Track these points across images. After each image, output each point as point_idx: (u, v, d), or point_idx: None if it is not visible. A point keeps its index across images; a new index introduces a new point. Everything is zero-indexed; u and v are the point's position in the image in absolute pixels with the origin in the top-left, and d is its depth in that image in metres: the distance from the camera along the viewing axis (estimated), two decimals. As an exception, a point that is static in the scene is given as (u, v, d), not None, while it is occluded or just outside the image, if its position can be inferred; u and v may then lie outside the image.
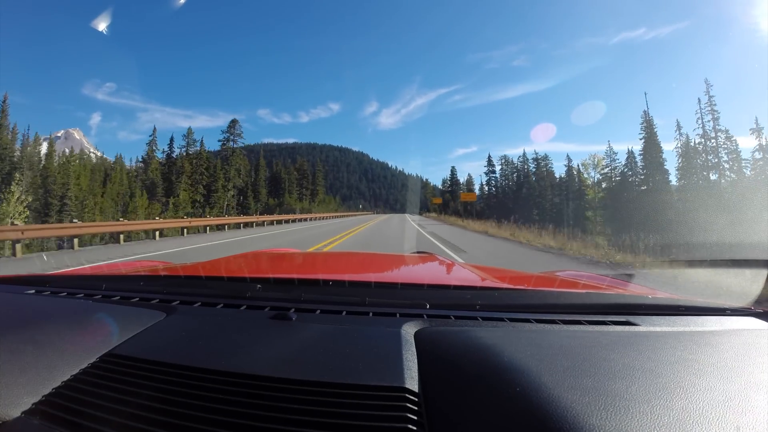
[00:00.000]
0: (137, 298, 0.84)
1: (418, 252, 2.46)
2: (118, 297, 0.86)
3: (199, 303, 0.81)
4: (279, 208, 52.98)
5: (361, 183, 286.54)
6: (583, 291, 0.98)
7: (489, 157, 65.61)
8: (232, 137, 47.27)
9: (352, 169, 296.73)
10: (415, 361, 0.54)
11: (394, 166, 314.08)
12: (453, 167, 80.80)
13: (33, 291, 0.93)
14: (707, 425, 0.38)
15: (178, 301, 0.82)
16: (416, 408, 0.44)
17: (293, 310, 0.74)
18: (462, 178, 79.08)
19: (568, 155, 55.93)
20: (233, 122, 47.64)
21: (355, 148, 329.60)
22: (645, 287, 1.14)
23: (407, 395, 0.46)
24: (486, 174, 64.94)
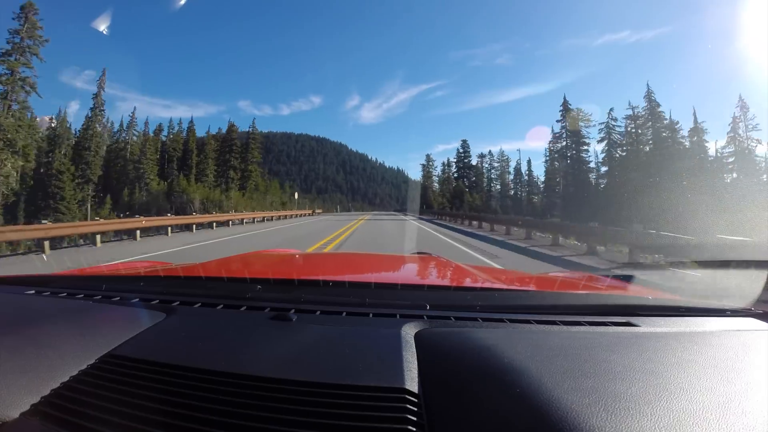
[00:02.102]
0: (137, 299, 0.84)
1: (418, 252, 2.36)
2: (118, 297, 0.85)
3: (199, 304, 0.81)
4: (168, 198, 28.08)
5: (338, 175, 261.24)
6: (584, 292, 0.98)
7: (564, 101, 38.00)
8: (25, 36, 21.28)
9: (329, 160, 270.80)
10: (415, 362, 0.54)
11: (374, 158, 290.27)
12: (464, 140, 53.90)
13: (33, 291, 0.93)
14: (708, 426, 0.38)
15: (178, 302, 0.81)
16: (416, 409, 0.44)
17: (293, 310, 0.73)
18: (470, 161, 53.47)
19: (694, 109, 33.83)
20: (27, 7, 21.46)
21: (334, 139, 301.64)
22: (645, 288, 1.14)
23: (407, 396, 0.46)
24: (558, 139, 38.15)
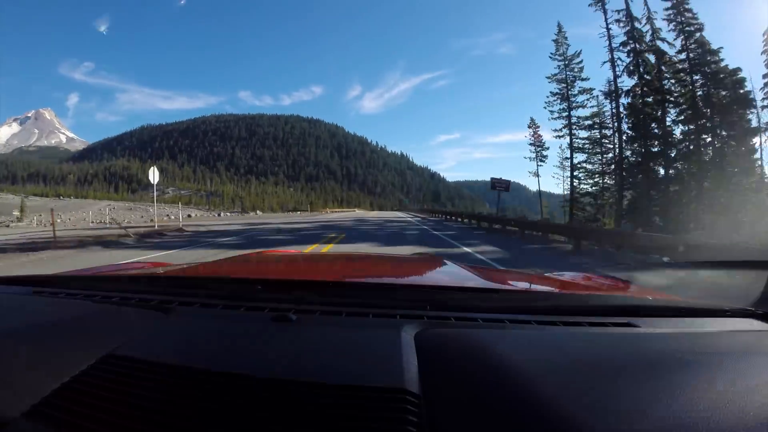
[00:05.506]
0: (137, 299, 0.84)
1: (418, 254, 2.62)
2: (118, 298, 0.86)
3: (199, 304, 0.81)
4: None
5: (332, 160, 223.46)
6: (584, 293, 0.99)
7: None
8: None
9: (323, 144, 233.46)
10: (415, 362, 0.53)
11: (374, 142, 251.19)
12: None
13: (33, 291, 0.94)
14: (707, 426, 0.38)
15: (177, 302, 0.81)
16: (416, 410, 0.44)
17: (293, 311, 0.73)
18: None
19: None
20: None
21: (329, 121, 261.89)
22: (645, 288, 1.13)
23: (407, 397, 0.46)
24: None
